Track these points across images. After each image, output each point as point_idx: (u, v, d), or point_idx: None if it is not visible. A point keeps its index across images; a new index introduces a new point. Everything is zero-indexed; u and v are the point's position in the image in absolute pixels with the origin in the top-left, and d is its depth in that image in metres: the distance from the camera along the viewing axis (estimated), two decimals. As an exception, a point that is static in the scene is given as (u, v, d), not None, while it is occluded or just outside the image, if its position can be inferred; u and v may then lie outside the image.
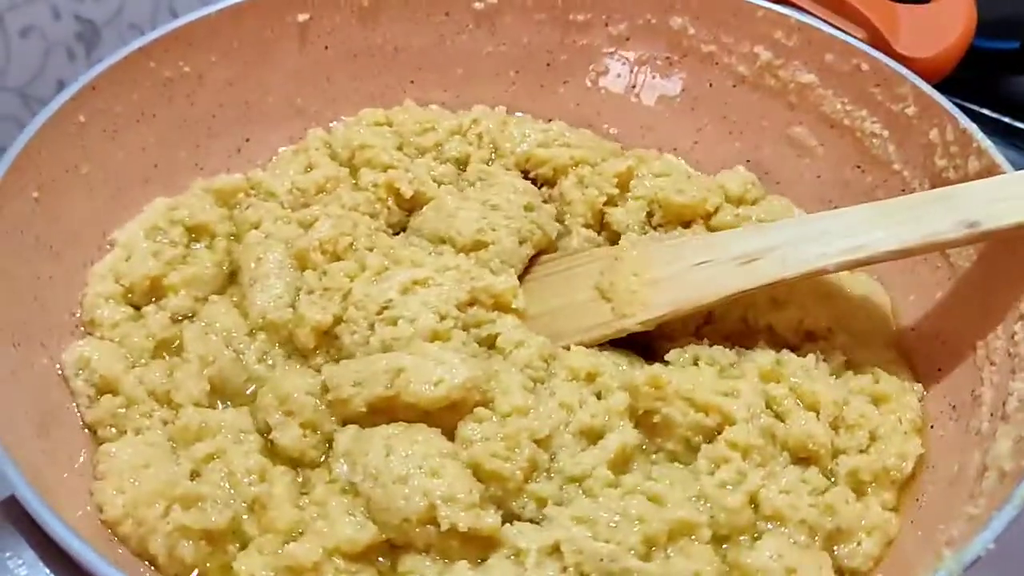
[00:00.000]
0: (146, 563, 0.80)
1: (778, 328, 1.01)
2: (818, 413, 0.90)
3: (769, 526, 0.85)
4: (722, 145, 1.24)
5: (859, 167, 1.13)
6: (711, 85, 1.25)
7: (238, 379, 0.95)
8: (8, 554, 0.69)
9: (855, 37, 1.13)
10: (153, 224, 1.04)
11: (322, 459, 0.89)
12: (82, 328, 0.97)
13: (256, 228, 1.06)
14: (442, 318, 0.95)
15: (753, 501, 0.85)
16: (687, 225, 1.12)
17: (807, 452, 0.89)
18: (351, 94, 1.25)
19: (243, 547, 0.82)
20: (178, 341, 0.97)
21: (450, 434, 0.88)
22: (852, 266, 0.92)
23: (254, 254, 1.03)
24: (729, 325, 1.01)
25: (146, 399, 0.91)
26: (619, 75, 1.30)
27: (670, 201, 1.11)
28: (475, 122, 1.23)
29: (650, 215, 1.13)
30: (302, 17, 1.19)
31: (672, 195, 1.11)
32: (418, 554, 0.81)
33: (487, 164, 1.19)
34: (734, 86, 1.23)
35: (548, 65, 1.30)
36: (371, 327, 0.95)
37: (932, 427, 0.94)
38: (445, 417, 0.89)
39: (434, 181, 1.15)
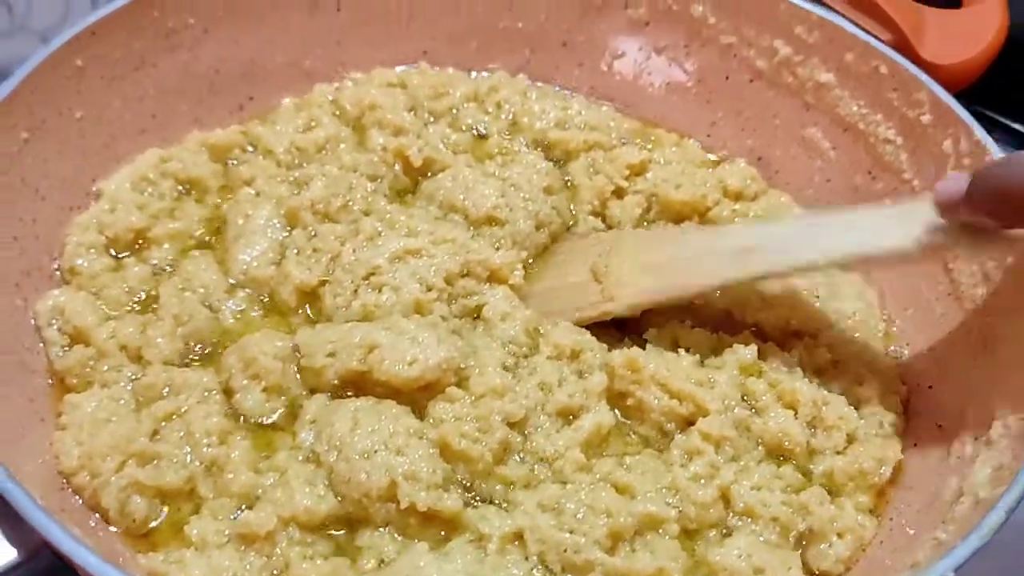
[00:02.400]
0: (97, 517, 0.79)
1: (765, 327, 0.99)
2: (796, 411, 0.88)
3: (739, 522, 0.83)
4: (734, 140, 1.21)
5: (870, 173, 1.10)
6: (727, 78, 1.22)
7: (211, 336, 0.93)
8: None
9: (880, 39, 1.10)
10: (142, 175, 1.02)
11: (285, 425, 0.88)
12: (60, 276, 0.95)
13: (248, 185, 1.04)
14: (428, 290, 0.94)
15: (724, 496, 0.84)
16: (679, 222, 1.10)
17: (782, 450, 0.88)
18: (361, 60, 1.22)
19: (197, 509, 0.81)
20: (155, 294, 0.95)
21: (422, 412, 0.87)
22: (843, 264, 0.90)
23: (242, 210, 1.01)
24: (713, 316, 1.00)
25: (117, 353, 0.89)
26: (635, 60, 1.27)
27: (669, 198, 1.09)
28: (493, 89, 1.20)
29: (647, 209, 1.11)
30: (315, -23, 1.17)
31: (671, 191, 1.09)
32: (376, 530, 0.80)
33: (506, 136, 1.16)
34: (751, 81, 1.20)
35: (564, 45, 1.27)
36: (355, 292, 0.94)
37: (915, 445, 0.91)
38: (418, 395, 0.87)
39: (449, 149, 1.12)
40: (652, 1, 1.23)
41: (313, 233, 0.99)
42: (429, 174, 1.11)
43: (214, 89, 1.14)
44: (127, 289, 0.95)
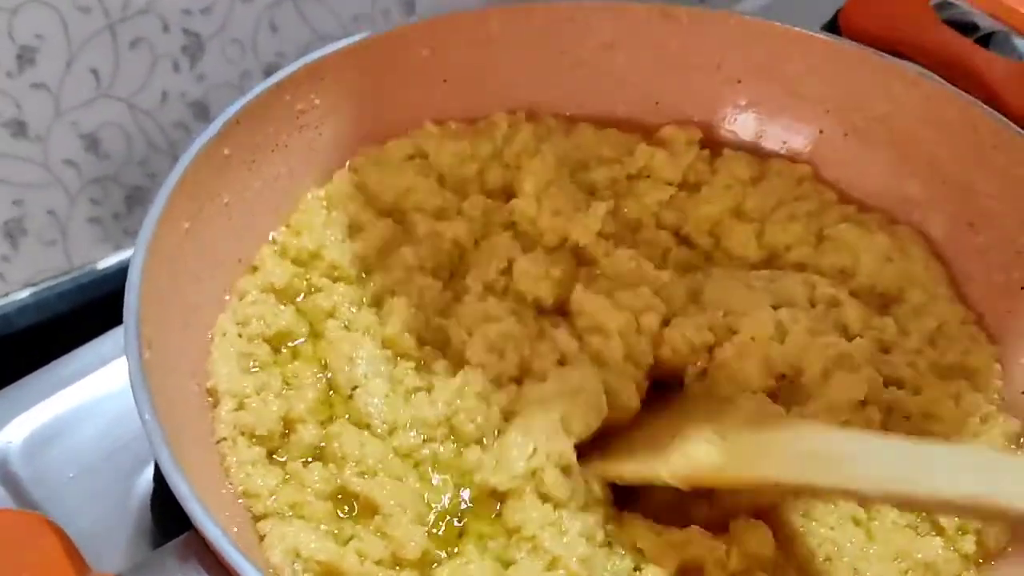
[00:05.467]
0: None
1: None
2: None
3: None
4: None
5: (971, 225, 1.14)
6: (821, 132, 1.27)
7: None
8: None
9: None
10: (239, 351, 0.97)
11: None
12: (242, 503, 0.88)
13: (332, 316, 1.02)
14: None
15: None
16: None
17: None
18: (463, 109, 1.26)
19: None
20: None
21: None
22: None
23: (344, 354, 0.98)
24: None
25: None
26: (727, 115, 1.32)
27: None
28: (506, 140, 1.22)
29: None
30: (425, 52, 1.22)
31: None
32: None
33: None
34: (845, 135, 1.25)
35: (656, 104, 1.32)
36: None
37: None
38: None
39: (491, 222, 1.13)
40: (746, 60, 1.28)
41: (420, 361, 0.98)
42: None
43: (335, 160, 1.19)
44: (318, 496, 0.88)
